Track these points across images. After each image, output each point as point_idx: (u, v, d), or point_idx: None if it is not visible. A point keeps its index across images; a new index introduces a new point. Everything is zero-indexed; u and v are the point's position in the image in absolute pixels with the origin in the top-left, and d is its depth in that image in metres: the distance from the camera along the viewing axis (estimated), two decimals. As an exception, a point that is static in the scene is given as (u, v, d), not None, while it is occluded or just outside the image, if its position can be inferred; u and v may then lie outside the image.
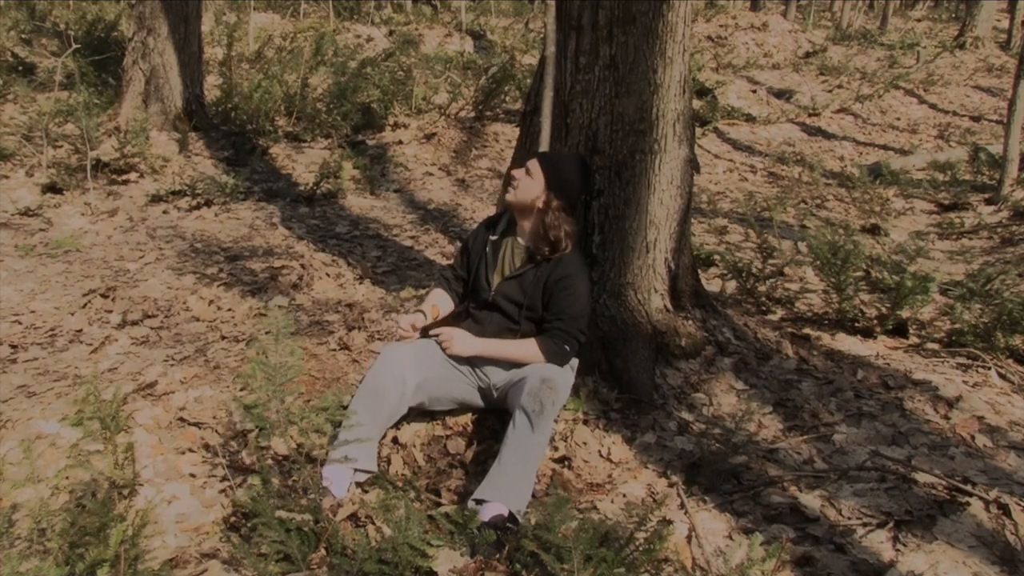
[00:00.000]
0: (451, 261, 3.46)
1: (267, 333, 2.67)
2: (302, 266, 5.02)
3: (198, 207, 6.13)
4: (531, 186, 3.05)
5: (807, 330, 4.20)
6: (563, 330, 2.99)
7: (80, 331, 4.04)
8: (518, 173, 3.10)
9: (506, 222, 3.23)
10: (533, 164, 3.08)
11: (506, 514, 2.54)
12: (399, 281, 5.02)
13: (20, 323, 4.10)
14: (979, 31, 17.66)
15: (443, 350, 3.05)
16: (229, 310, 4.38)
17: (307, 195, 6.61)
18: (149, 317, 4.22)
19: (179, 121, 7.38)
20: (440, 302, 3.29)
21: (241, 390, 3.34)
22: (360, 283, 4.94)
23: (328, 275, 5.00)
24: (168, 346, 3.90)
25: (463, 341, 3.01)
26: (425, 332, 3.14)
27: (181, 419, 3.17)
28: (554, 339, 2.99)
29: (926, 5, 37.86)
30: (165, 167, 6.68)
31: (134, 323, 4.15)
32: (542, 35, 13.03)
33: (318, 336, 3.95)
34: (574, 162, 3.15)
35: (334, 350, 3.80)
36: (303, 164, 7.41)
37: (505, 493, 2.60)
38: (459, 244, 3.50)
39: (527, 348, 3.00)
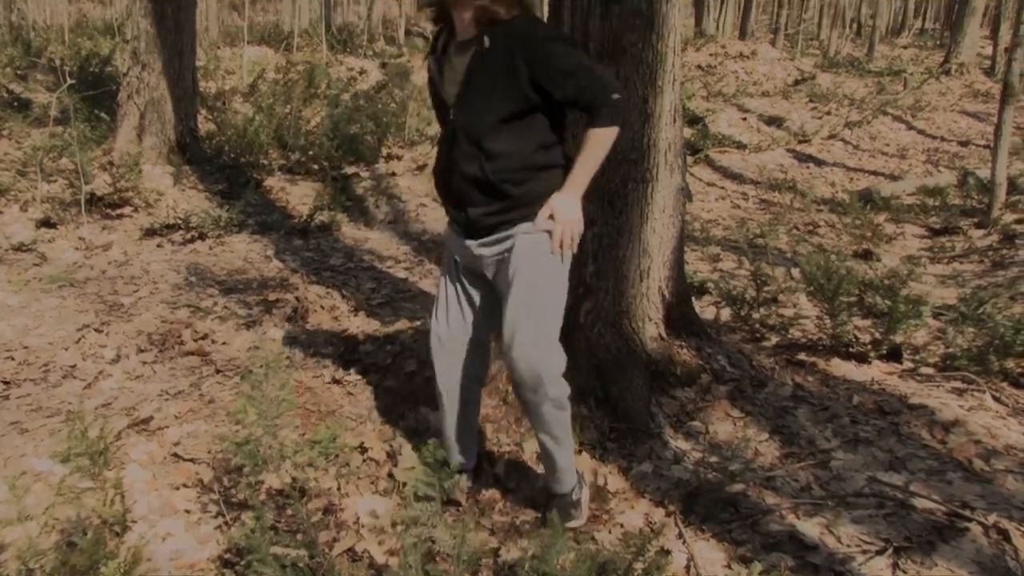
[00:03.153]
0: None
1: (261, 367, 2.67)
2: (296, 299, 5.02)
3: (192, 240, 6.13)
4: None
5: (802, 356, 4.20)
6: (597, 87, 2.46)
7: (74, 366, 4.03)
8: None
9: (446, 35, 2.70)
10: None
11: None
12: (394, 313, 5.01)
13: (13, 359, 4.08)
14: (964, 58, 17.88)
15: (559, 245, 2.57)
16: (224, 343, 4.37)
17: (301, 227, 6.62)
18: (143, 351, 4.21)
19: (173, 155, 7.40)
20: None
21: (235, 424, 3.33)
22: (355, 315, 4.93)
23: (323, 307, 4.99)
24: (162, 380, 3.89)
25: (561, 207, 2.54)
26: None
27: (175, 454, 3.15)
28: (600, 104, 2.46)
29: (911, 32, 38.28)
30: (159, 201, 6.69)
31: (128, 357, 4.13)
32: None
33: (313, 369, 3.94)
34: None
35: (329, 383, 3.79)
36: (297, 196, 7.43)
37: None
38: None
39: (590, 142, 2.51)
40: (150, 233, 6.18)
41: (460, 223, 2.70)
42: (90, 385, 3.82)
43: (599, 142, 2.50)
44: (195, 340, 4.36)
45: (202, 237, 6.19)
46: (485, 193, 2.57)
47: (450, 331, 2.83)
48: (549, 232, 2.56)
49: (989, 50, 20.03)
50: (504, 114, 2.49)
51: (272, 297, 5.05)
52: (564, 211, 2.54)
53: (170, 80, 7.33)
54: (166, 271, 5.51)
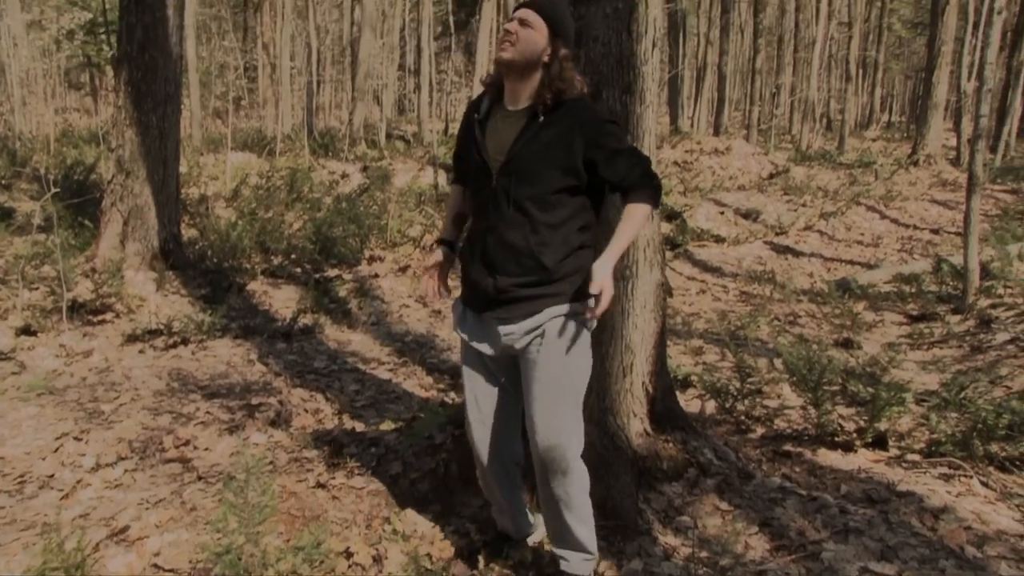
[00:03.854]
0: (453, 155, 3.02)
1: (243, 472, 2.64)
2: (280, 402, 4.99)
3: (175, 346, 6.11)
4: (533, 38, 2.58)
5: (788, 447, 4.20)
6: (643, 169, 2.62)
7: (51, 476, 3.96)
8: (512, 27, 2.60)
9: (489, 100, 2.76)
10: (528, 14, 2.61)
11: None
12: (378, 415, 4.99)
13: (-10, 471, 4.01)
14: (930, 149, 18.44)
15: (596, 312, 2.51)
16: (206, 449, 4.32)
17: (284, 331, 6.62)
18: (123, 459, 4.15)
19: (156, 260, 7.43)
20: (461, 204, 3.01)
21: (217, 532, 3.27)
22: (339, 418, 4.90)
23: (307, 410, 4.96)
24: (143, 489, 3.82)
25: (600, 272, 2.48)
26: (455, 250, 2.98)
27: (155, 565, 3.08)
28: (643, 186, 2.61)
29: (879, 125, 39.40)
30: (142, 306, 6.69)
31: (108, 466, 4.07)
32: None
33: (297, 473, 3.90)
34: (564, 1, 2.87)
35: (314, 487, 3.74)
36: (280, 300, 7.45)
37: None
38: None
39: (631, 217, 2.59)
40: (132, 339, 6.15)
41: (482, 293, 2.68)
42: (68, 495, 3.75)
43: (642, 216, 2.61)
44: (177, 446, 4.31)
45: (185, 342, 6.17)
46: (522, 262, 2.60)
47: (484, 422, 2.85)
48: (590, 299, 2.52)
49: (953, 141, 20.68)
50: (557, 187, 2.58)
51: (255, 401, 5.02)
52: (609, 281, 2.50)
53: (154, 187, 7.42)
54: (148, 377, 5.48)
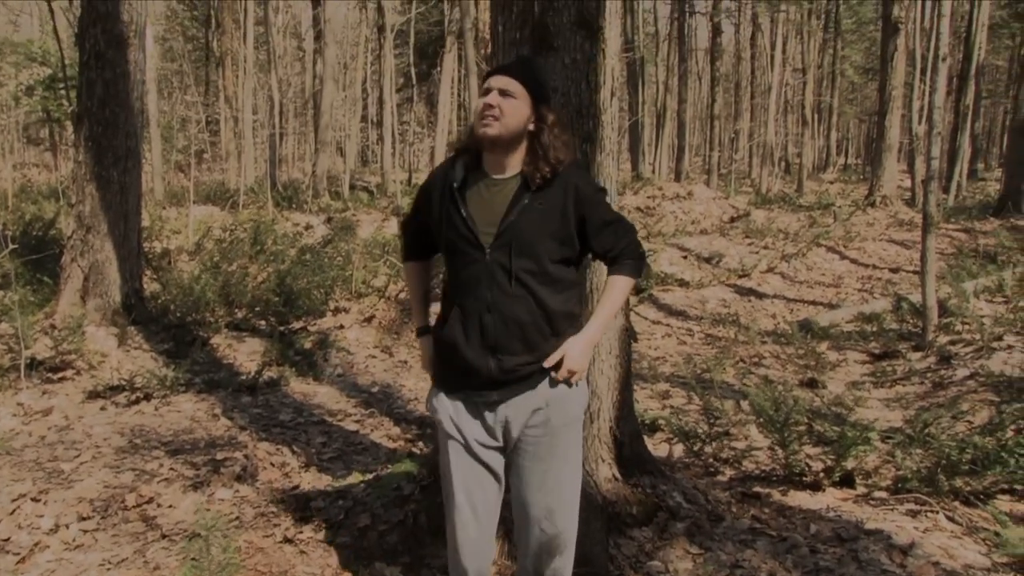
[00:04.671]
0: (407, 224, 2.82)
1: (209, 530, 2.60)
2: (245, 456, 4.92)
3: (137, 402, 6.02)
4: (517, 109, 2.44)
5: (757, 488, 4.21)
6: (629, 239, 2.59)
7: (7, 539, 3.86)
8: (493, 99, 2.43)
9: (462, 167, 2.54)
10: (508, 83, 2.45)
11: None
12: (346, 467, 4.94)
13: (-55, 536, 3.90)
14: (886, 190, 18.90)
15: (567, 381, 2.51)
16: (170, 506, 4.24)
17: (249, 384, 6.55)
18: (84, 519, 4.06)
19: (118, 316, 7.35)
20: (424, 282, 2.89)
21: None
22: (306, 471, 4.84)
23: (273, 464, 4.90)
24: (104, 549, 3.74)
25: (577, 355, 2.49)
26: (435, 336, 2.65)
27: (118, 628, 3.01)
28: (628, 256, 2.59)
29: (836, 168, 40.22)
30: (103, 362, 6.60)
31: (67, 526, 3.98)
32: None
33: (263, 528, 3.84)
34: (538, 61, 2.87)
35: (281, 542, 3.68)
36: (244, 353, 7.38)
37: None
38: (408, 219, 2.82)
39: (616, 288, 2.58)
40: (93, 396, 6.06)
41: (477, 376, 2.48)
42: (24, 559, 3.66)
43: (625, 288, 2.62)
44: (139, 504, 4.23)
45: (147, 398, 6.08)
46: (529, 339, 2.46)
47: (479, 520, 2.60)
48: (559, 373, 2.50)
49: (908, 182, 21.17)
50: (555, 258, 2.47)
51: (220, 456, 4.95)
52: (582, 359, 2.51)
53: (115, 242, 7.36)
54: (110, 434, 5.38)
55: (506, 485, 2.64)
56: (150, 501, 4.28)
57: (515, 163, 2.50)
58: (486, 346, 2.45)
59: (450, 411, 2.56)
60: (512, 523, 2.71)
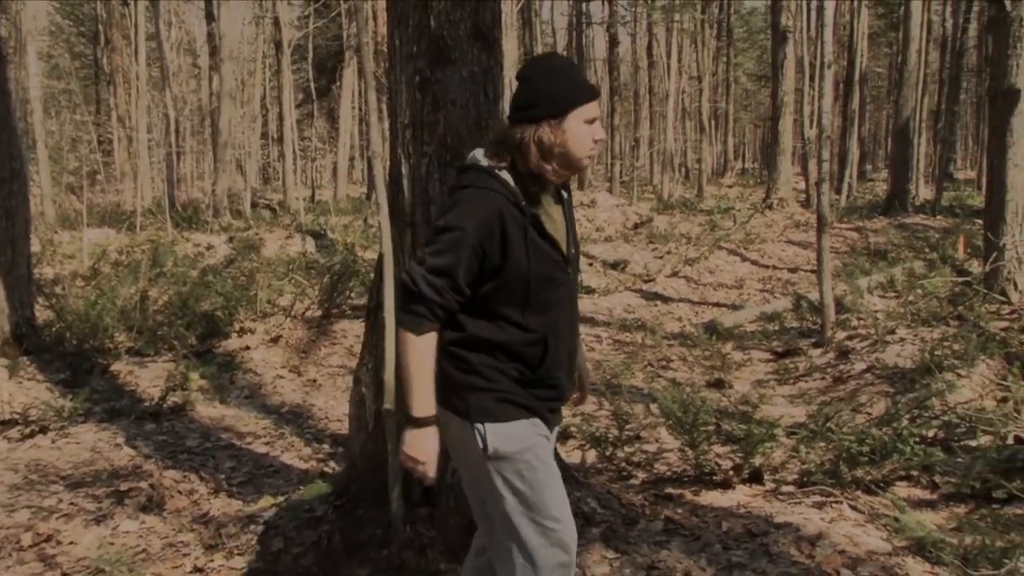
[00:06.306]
0: (440, 281, 2.22)
1: (113, 564, 2.51)
2: (151, 486, 4.77)
3: (32, 435, 5.77)
4: None
5: (669, 489, 4.29)
6: None
7: None
8: (600, 130, 2.35)
9: (519, 190, 2.30)
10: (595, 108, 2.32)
11: None
12: (256, 490, 4.83)
13: None
14: (782, 193, 19.57)
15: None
16: (71, 543, 4.07)
17: (153, 411, 6.35)
18: (-22, 563, 3.88)
19: (8, 346, 7.04)
20: None
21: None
22: (215, 497, 4.72)
23: (180, 492, 4.76)
24: (1, 592, 3.58)
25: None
26: None
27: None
28: None
29: (734, 172, 41.37)
30: (-6, 397, 6.31)
31: (-39, 571, 3.79)
32: (383, 229, 13.47)
33: (172, 559, 3.73)
34: None
35: (191, 572, 3.58)
36: (147, 379, 7.16)
37: None
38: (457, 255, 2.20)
39: None
40: (-16, 432, 5.79)
41: (564, 398, 2.49)
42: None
43: None
44: (36, 543, 4.05)
45: (44, 430, 5.84)
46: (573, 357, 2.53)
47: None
48: None
49: (802, 184, 21.94)
50: None
51: (124, 487, 4.78)
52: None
53: (2, 269, 7.06)
54: (2, 472, 5.15)
55: None
56: (48, 539, 4.10)
57: None
58: (571, 365, 2.50)
59: (546, 434, 2.46)
60: None
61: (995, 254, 8.39)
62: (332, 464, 5.32)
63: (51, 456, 5.43)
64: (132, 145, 22.35)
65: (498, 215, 2.22)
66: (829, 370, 7.07)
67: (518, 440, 2.31)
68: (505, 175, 2.29)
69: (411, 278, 2.23)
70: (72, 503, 4.60)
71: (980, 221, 10.11)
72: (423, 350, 2.25)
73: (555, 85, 2.28)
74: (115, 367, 7.31)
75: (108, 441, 5.72)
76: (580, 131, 2.28)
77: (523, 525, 2.32)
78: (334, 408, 6.77)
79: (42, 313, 8.22)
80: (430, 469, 2.31)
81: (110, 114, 27.16)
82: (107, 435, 5.83)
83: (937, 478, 4.31)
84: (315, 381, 7.56)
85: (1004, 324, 7.57)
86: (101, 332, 7.62)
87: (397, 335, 2.29)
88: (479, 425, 2.28)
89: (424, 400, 2.26)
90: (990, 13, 9.32)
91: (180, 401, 6.57)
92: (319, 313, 9.02)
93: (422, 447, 2.28)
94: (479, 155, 2.37)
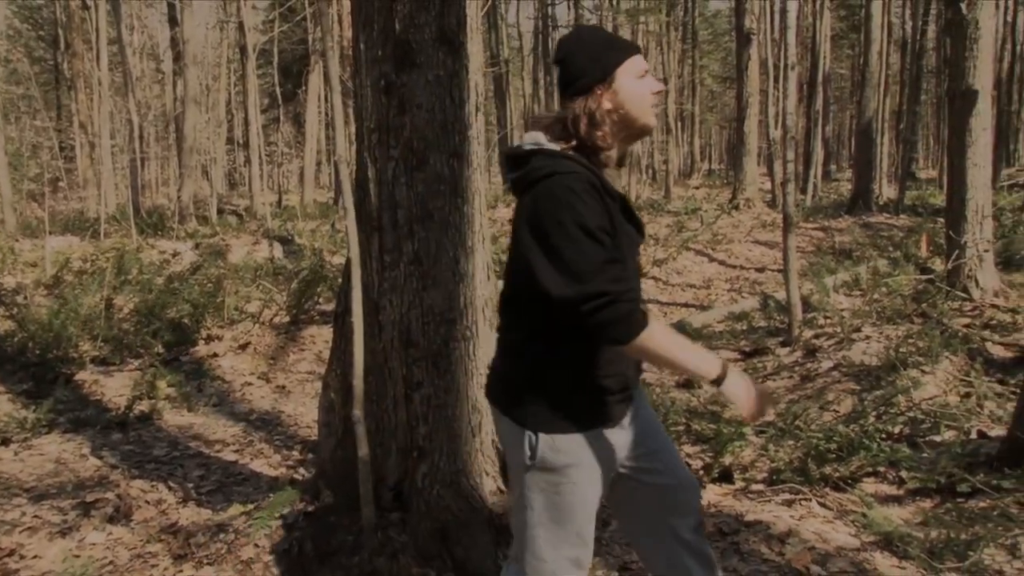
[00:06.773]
0: (615, 272, 2.02)
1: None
2: (118, 496, 4.71)
3: (-6, 448, 5.69)
4: None
5: (640, 490, 4.30)
6: None
7: None
8: (655, 82, 2.22)
9: (595, 166, 2.17)
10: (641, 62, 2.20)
11: None
12: (226, 499, 4.79)
13: None
14: (748, 193, 19.73)
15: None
16: (35, 557, 4.01)
17: (119, 420, 6.27)
18: (-60, 578, 3.81)
19: (-31, 358, 6.93)
20: None
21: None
22: (184, 506, 4.67)
23: (148, 502, 4.70)
24: (-36, 608, 3.51)
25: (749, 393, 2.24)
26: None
27: None
28: None
29: (701, 173, 41.67)
30: (-45, 409, 6.21)
31: (-77, 588, 3.72)
32: (351, 234, 13.39)
33: (140, 570, 3.68)
34: None
35: (158, 583, 3.54)
36: (113, 388, 7.07)
37: None
38: (593, 230, 1.99)
39: None
40: (-56, 446, 5.69)
41: (629, 391, 2.37)
42: None
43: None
44: None
45: (5, 443, 5.75)
46: None
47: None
48: None
49: (768, 185, 22.15)
50: None
51: (90, 498, 4.72)
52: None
53: (-36, 280, 6.95)
54: (-35, 485, 5.06)
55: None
56: (11, 553, 4.04)
57: None
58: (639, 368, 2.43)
59: (616, 440, 2.36)
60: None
61: (957, 252, 8.53)
62: (302, 471, 5.28)
63: (14, 468, 5.34)
64: (95, 151, 22.06)
65: (596, 201, 2.04)
66: (797, 368, 7.13)
67: (567, 455, 2.18)
68: (577, 156, 2.13)
69: (586, 294, 1.99)
70: (36, 516, 4.53)
71: (942, 219, 10.26)
72: (659, 333, 2.10)
73: (591, 50, 2.15)
74: (80, 376, 7.21)
75: (73, 452, 5.64)
76: (634, 87, 2.16)
77: (539, 537, 2.24)
78: (303, 414, 6.73)
79: (3, 323, 8.09)
80: (768, 402, 2.28)
81: (72, 120, 26.81)
82: (72, 445, 5.76)
83: (903, 474, 4.36)
84: (284, 387, 7.51)
85: (966, 321, 7.69)
86: (65, 341, 7.52)
87: (635, 347, 2.07)
88: (531, 433, 2.17)
89: (703, 362, 2.18)
90: (947, 16, 9.49)
91: (147, 410, 6.49)
92: (287, 319, 8.96)
93: (747, 394, 2.21)
94: (541, 139, 2.18)
